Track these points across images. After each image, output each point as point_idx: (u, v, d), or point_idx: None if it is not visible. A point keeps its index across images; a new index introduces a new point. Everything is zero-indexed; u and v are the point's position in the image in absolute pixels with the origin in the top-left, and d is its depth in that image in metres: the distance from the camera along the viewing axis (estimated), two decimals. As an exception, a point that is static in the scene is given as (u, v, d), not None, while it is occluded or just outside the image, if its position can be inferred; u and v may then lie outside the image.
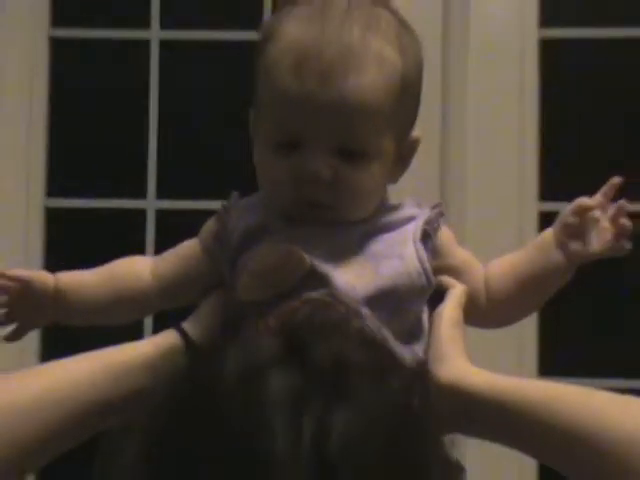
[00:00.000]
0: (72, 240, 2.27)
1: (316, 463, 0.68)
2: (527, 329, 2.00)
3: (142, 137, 2.14)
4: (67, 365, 0.96)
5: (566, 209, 1.01)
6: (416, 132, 1.02)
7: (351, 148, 0.94)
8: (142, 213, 2.15)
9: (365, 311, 0.94)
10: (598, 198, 1.00)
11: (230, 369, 0.73)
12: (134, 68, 2.17)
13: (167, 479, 0.71)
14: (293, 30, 0.94)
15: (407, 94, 0.97)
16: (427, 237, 1.00)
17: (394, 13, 0.99)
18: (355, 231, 0.99)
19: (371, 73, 0.93)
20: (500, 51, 2.16)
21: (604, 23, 2.14)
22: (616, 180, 1.00)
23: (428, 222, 1.00)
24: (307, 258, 0.94)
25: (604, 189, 1.00)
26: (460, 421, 0.91)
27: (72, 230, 2.26)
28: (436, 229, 1.02)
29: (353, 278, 0.95)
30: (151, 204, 2.13)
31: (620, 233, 0.98)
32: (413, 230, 0.99)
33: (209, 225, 1.05)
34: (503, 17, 2.16)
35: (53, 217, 2.19)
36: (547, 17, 2.08)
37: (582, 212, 1.00)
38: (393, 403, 0.75)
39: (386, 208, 1.03)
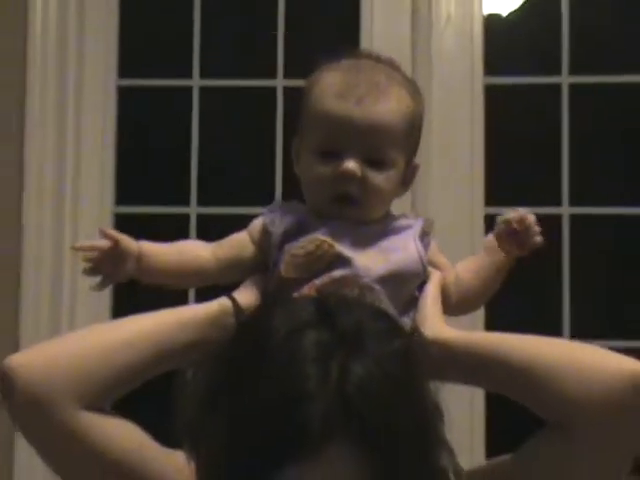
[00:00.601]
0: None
1: (338, 398, 0.84)
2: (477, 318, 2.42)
3: (187, 160, 2.69)
4: (149, 317, 1.14)
5: (500, 219, 1.19)
6: (417, 161, 1.25)
7: (375, 157, 1.16)
8: (186, 217, 2.71)
9: (377, 287, 1.13)
10: (522, 211, 1.19)
11: (276, 326, 0.89)
12: (180, 107, 2.72)
13: (221, 408, 0.89)
14: (335, 74, 1.19)
15: (414, 128, 1.21)
16: (424, 237, 1.21)
17: (401, 68, 1.25)
18: (370, 230, 1.19)
19: (392, 106, 1.16)
20: (457, 93, 2.71)
21: (531, 73, 2.77)
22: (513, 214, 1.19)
23: (424, 227, 1.22)
24: (335, 246, 1.13)
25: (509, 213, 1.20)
26: (438, 368, 1.07)
27: (136, 232, 2.75)
28: (428, 233, 1.23)
29: (369, 263, 1.14)
30: (193, 210, 2.69)
31: (535, 235, 1.19)
32: (413, 232, 1.19)
33: (256, 223, 1.23)
34: (459, 69, 2.71)
35: (121, 221, 2.72)
36: (490, 68, 2.67)
37: (514, 222, 1.18)
38: (396, 356, 0.91)
39: (392, 216, 1.24)
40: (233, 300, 1.15)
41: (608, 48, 2.77)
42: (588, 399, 1.00)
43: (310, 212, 1.20)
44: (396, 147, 1.18)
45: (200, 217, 2.68)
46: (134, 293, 2.05)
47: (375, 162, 1.16)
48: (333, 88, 1.16)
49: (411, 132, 1.20)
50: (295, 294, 1.11)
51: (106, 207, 2.69)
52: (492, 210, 2.56)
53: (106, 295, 2.60)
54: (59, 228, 2.58)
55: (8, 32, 2.62)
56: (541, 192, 2.70)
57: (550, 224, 1.51)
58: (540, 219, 1.22)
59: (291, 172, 1.29)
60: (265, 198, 1.89)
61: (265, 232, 1.19)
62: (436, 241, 1.25)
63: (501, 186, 2.67)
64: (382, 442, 0.86)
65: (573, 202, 2.66)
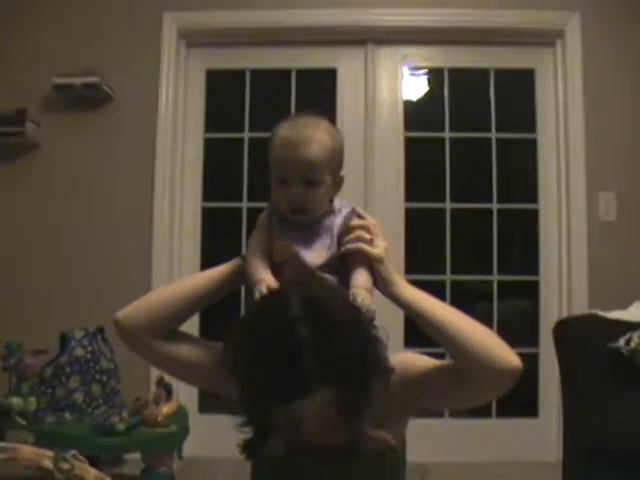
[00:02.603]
0: (218, 229, 4.41)
1: (320, 358, 1.26)
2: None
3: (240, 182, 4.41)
4: (195, 276, 1.61)
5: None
6: (343, 173, 1.61)
7: (310, 180, 1.51)
8: (239, 210, 4.37)
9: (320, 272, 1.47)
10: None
11: (275, 313, 1.34)
12: (235, 153, 4.47)
13: (245, 358, 1.32)
14: (282, 131, 1.54)
15: (335, 157, 1.55)
16: (351, 217, 1.57)
17: (328, 120, 1.57)
18: (312, 229, 1.55)
19: (316, 148, 1.50)
20: (389, 139, 4.38)
21: (428, 130, 4.49)
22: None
23: (345, 220, 1.57)
24: (293, 247, 1.49)
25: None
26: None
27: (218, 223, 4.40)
28: (348, 222, 1.56)
29: (313, 256, 1.51)
30: (244, 205, 4.42)
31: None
32: (340, 223, 1.56)
33: (264, 212, 1.62)
34: (390, 126, 4.38)
35: (206, 215, 4.45)
36: (407, 126, 4.39)
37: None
38: (355, 322, 1.33)
39: (327, 213, 1.57)
40: (243, 258, 1.55)
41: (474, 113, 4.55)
42: (484, 369, 1.38)
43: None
44: (322, 172, 1.52)
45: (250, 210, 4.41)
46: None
47: (310, 183, 1.51)
48: (279, 140, 1.53)
49: (332, 160, 1.53)
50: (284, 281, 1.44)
51: (198, 203, 4.47)
52: (408, 205, 4.38)
53: (196, 252, 4.42)
54: (170, 215, 4.33)
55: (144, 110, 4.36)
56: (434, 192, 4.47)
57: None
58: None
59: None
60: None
61: (270, 218, 1.59)
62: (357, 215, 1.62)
63: (416, 188, 4.40)
64: (349, 383, 1.30)
65: (454, 199, 4.42)
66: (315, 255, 1.52)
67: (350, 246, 1.52)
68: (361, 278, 1.50)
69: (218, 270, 1.60)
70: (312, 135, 1.52)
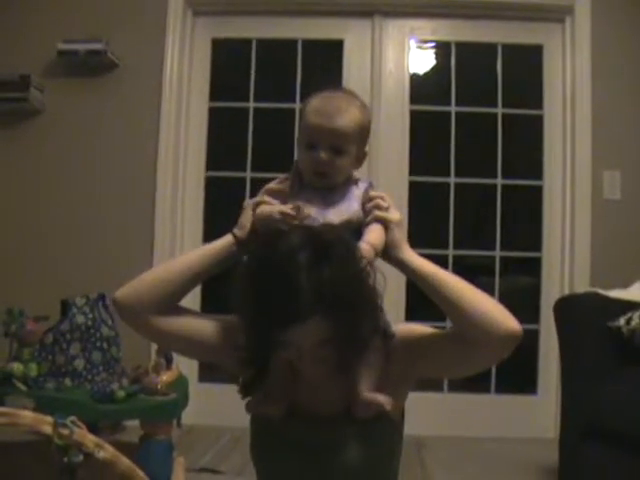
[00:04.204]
0: (221, 198, 4.43)
1: (317, 289, 1.34)
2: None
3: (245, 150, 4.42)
4: (190, 253, 1.65)
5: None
6: (366, 149, 1.69)
7: (336, 148, 1.58)
8: (243, 180, 4.38)
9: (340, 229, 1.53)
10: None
11: (281, 245, 1.39)
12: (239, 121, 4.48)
13: (247, 302, 1.41)
14: (317, 101, 1.62)
15: (362, 131, 1.63)
16: (369, 189, 1.64)
17: (358, 96, 1.66)
18: (331, 195, 1.61)
19: (346, 119, 1.58)
20: (395, 112, 4.38)
21: (434, 104, 4.49)
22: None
23: (366, 190, 1.63)
24: (309, 211, 1.55)
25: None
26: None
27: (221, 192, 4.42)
28: (371, 188, 1.64)
29: (329, 219, 1.56)
30: (248, 175, 4.42)
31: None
32: (358, 194, 1.62)
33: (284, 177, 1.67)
34: (396, 99, 4.38)
35: (209, 184, 4.47)
36: (413, 100, 4.39)
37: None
38: (350, 261, 1.41)
39: (351, 181, 1.65)
40: (234, 235, 1.61)
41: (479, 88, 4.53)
42: (485, 333, 1.43)
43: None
44: (349, 142, 1.60)
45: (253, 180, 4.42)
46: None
47: (337, 151, 1.58)
48: (313, 109, 1.61)
49: (360, 134, 1.62)
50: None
51: (201, 172, 4.48)
52: (413, 178, 4.38)
53: (199, 221, 4.43)
54: (174, 183, 4.35)
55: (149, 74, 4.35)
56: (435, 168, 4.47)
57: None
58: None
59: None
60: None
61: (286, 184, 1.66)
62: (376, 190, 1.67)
63: (420, 162, 4.40)
64: (342, 313, 1.37)
65: (458, 174, 4.44)
66: (332, 217, 1.57)
67: (373, 211, 1.60)
68: (372, 235, 1.56)
69: (214, 246, 1.63)
70: (345, 107, 1.60)
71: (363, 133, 1.65)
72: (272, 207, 1.57)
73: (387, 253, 1.57)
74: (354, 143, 1.63)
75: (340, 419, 1.56)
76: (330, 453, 1.56)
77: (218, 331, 1.60)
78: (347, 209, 1.61)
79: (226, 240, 1.62)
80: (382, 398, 1.52)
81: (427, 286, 1.52)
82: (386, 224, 1.58)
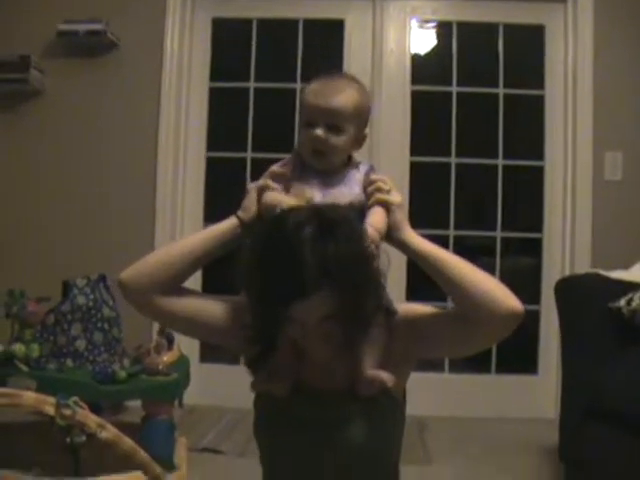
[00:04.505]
0: (222, 179, 4.45)
1: (322, 264, 1.36)
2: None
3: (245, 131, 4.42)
4: (194, 235, 1.66)
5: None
6: (366, 131, 1.72)
7: (334, 126, 1.62)
8: (243, 160, 4.39)
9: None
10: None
11: (287, 221, 1.41)
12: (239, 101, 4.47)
13: (256, 268, 1.42)
14: (317, 83, 1.67)
15: (361, 112, 1.67)
16: (370, 172, 1.66)
17: (358, 80, 1.70)
18: (331, 178, 1.64)
19: (343, 99, 1.62)
20: (396, 92, 4.37)
21: (435, 84, 4.49)
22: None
23: (367, 173, 1.66)
24: (310, 194, 1.59)
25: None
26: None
27: (222, 172, 4.45)
28: (372, 171, 1.67)
29: (331, 198, 1.59)
30: (249, 155, 4.42)
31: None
32: (359, 178, 1.65)
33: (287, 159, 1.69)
34: (397, 79, 4.36)
35: (210, 165, 4.47)
36: (414, 80, 4.38)
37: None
38: (354, 239, 1.42)
39: (351, 164, 1.68)
40: (238, 217, 1.63)
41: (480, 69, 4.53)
42: (486, 311, 1.45)
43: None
44: (347, 122, 1.64)
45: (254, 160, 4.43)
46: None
47: (334, 129, 1.63)
48: (312, 90, 1.66)
49: (357, 114, 1.66)
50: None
51: (202, 152, 4.48)
52: (414, 159, 4.39)
53: (200, 201, 4.44)
54: (174, 164, 4.35)
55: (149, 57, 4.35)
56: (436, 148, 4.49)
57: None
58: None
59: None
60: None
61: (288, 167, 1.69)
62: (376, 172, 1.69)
63: (421, 142, 4.41)
64: (346, 289, 1.39)
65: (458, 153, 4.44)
66: (334, 200, 1.58)
67: (375, 194, 1.62)
68: (375, 218, 1.58)
69: (218, 228, 1.65)
70: (343, 88, 1.66)
71: (362, 114, 1.68)
72: (279, 196, 1.59)
73: (389, 234, 1.59)
74: (351, 123, 1.65)
75: (344, 396, 1.58)
76: (334, 430, 1.57)
77: (222, 311, 1.62)
78: (349, 192, 1.63)
79: (230, 222, 1.64)
80: (384, 375, 1.53)
81: (429, 266, 1.55)
82: (388, 206, 1.60)
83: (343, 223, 1.43)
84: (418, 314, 1.61)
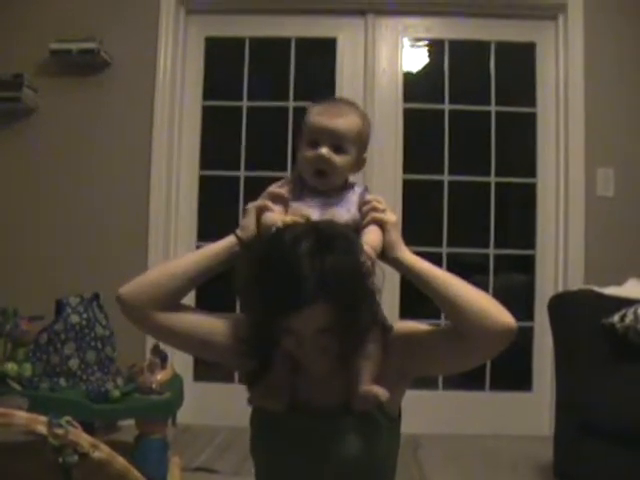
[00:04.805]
0: (215, 197, 4.44)
1: (319, 278, 1.39)
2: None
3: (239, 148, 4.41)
4: (193, 254, 1.69)
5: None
6: (365, 155, 1.75)
7: (337, 147, 1.64)
8: (236, 178, 4.38)
9: None
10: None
11: (284, 237, 1.44)
12: (232, 119, 4.47)
13: (255, 282, 1.45)
14: (320, 106, 1.71)
15: (362, 135, 1.70)
16: (364, 194, 1.69)
17: (359, 106, 1.74)
18: (329, 199, 1.66)
19: (347, 122, 1.66)
20: (388, 110, 4.38)
21: (426, 102, 4.50)
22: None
23: (362, 194, 1.69)
24: (310, 215, 1.58)
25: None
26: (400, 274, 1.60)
27: (215, 191, 4.44)
28: (367, 192, 1.69)
29: (329, 218, 1.60)
30: (242, 174, 4.41)
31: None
32: (355, 200, 1.67)
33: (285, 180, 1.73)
34: (389, 97, 4.38)
35: (203, 183, 4.45)
36: (406, 98, 4.39)
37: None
38: (351, 254, 1.45)
39: (348, 185, 1.71)
40: (237, 236, 1.65)
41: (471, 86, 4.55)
42: (480, 327, 1.47)
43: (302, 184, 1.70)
44: (350, 143, 1.67)
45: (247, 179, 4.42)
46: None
47: (337, 149, 1.65)
48: (317, 111, 1.70)
49: (359, 138, 1.70)
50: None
51: (195, 171, 4.48)
52: (406, 176, 4.39)
53: (193, 219, 4.43)
54: (167, 182, 4.33)
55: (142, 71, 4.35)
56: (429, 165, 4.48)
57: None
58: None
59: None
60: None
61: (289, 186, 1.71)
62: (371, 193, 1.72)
63: (414, 160, 4.40)
64: (342, 301, 1.42)
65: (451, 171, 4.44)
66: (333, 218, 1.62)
67: (370, 213, 1.65)
68: (371, 236, 1.60)
69: (216, 246, 1.67)
70: (347, 111, 1.70)
71: (363, 138, 1.73)
72: (276, 216, 1.60)
73: (384, 253, 1.61)
74: (354, 145, 1.69)
75: (339, 412, 1.60)
76: (330, 445, 1.59)
77: (219, 328, 1.64)
78: (346, 213, 1.66)
79: (229, 241, 1.66)
80: (379, 390, 1.54)
81: (423, 284, 1.57)
82: (383, 225, 1.62)
83: (340, 238, 1.46)
84: (413, 331, 1.64)
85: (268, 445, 1.67)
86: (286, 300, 1.39)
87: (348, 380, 1.58)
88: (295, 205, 1.66)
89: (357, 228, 1.63)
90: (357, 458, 1.59)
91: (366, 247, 1.53)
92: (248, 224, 1.65)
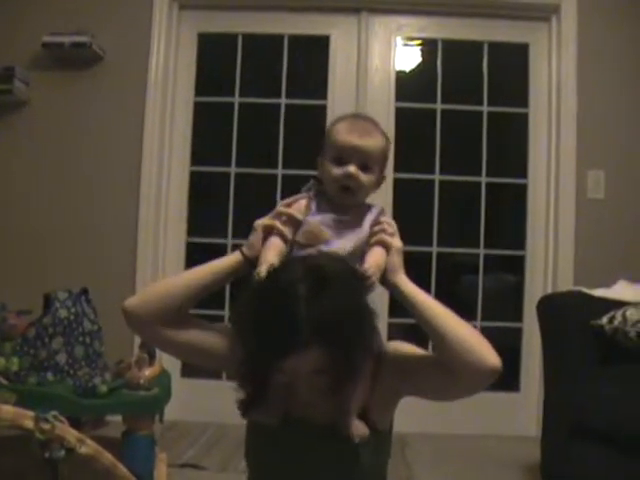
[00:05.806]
0: (206, 193, 4.46)
1: (316, 321, 1.38)
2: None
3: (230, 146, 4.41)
4: (197, 269, 1.69)
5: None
6: (384, 174, 1.78)
7: (365, 164, 1.68)
8: (227, 175, 4.37)
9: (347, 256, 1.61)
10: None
11: (281, 277, 1.45)
12: (223, 116, 4.46)
13: (245, 327, 1.46)
14: (345, 122, 1.72)
15: (384, 154, 1.73)
16: (380, 215, 1.72)
17: (378, 123, 1.75)
18: (346, 215, 1.68)
19: (373, 141, 1.69)
20: (380, 109, 4.33)
21: (418, 101, 4.49)
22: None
23: (379, 212, 1.73)
24: (327, 234, 1.65)
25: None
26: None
27: (206, 187, 4.45)
28: (382, 214, 1.73)
29: (343, 244, 1.65)
30: (233, 170, 4.39)
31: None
32: (371, 218, 1.70)
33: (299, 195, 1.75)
34: (381, 96, 4.37)
35: (194, 179, 4.44)
36: (398, 97, 4.40)
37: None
38: (350, 293, 1.45)
39: (365, 207, 1.73)
40: (242, 252, 1.69)
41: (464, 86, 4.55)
42: (465, 365, 1.49)
43: (319, 198, 1.73)
44: (375, 162, 1.71)
45: (238, 175, 4.39)
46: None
47: (364, 168, 1.69)
48: (344, 129, 1.72)
49: (382, 157, 1.74)
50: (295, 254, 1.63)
51: (186, 167, 4.47)
52: (397, 175, 4.35)
53: (183, 215, 4.42)
54: (158, 178, 4.33)
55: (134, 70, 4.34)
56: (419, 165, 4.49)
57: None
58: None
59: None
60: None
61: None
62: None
63: (405, 159, 4.36)
64: (337, 346, 1.41)
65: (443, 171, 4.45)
66: (345, 242, 1.66)
67: (379, 234, 1.68)
68: (376, 257, 1.64)
69: (222, 262, 1.69)
70: (373, 130, 1.72)
71: (386, 157, 1.76)
72: (269, 257, 1.60)
73: (383, 276, 1.64)
74: (377, 163, 1.72)
75: (332, 428, 1.61)
76: (323, 460, 1.63)
77: (223, 339, 1.65)
78: (360, 231, 1.69)
79: (234, 257, 1.68)
80: (359, 429, 1.60)
81: (417, 313, 1.59)
82: (387, 248, 1.66)
83: (338, 277, 1.46)
84: (407, 356, 1.67)
85: (261, 455, 1.72)
86: (280, 342, 1.39)
87: (337, 404, 1.60)
88: (311, 220, 1.69)
89: (364, 249, 1.67)
90: (348, 472, 1.63)
91: (370, 263, 1.58)
92: (255, 242, 1.67)
